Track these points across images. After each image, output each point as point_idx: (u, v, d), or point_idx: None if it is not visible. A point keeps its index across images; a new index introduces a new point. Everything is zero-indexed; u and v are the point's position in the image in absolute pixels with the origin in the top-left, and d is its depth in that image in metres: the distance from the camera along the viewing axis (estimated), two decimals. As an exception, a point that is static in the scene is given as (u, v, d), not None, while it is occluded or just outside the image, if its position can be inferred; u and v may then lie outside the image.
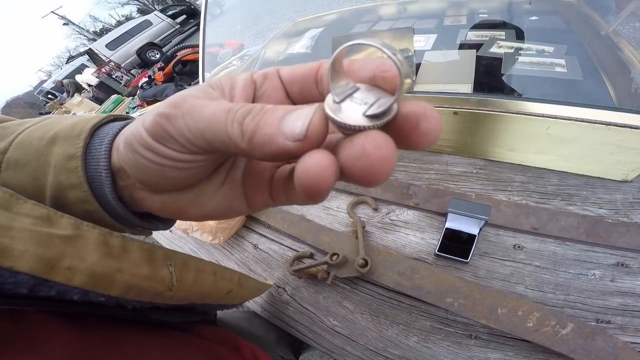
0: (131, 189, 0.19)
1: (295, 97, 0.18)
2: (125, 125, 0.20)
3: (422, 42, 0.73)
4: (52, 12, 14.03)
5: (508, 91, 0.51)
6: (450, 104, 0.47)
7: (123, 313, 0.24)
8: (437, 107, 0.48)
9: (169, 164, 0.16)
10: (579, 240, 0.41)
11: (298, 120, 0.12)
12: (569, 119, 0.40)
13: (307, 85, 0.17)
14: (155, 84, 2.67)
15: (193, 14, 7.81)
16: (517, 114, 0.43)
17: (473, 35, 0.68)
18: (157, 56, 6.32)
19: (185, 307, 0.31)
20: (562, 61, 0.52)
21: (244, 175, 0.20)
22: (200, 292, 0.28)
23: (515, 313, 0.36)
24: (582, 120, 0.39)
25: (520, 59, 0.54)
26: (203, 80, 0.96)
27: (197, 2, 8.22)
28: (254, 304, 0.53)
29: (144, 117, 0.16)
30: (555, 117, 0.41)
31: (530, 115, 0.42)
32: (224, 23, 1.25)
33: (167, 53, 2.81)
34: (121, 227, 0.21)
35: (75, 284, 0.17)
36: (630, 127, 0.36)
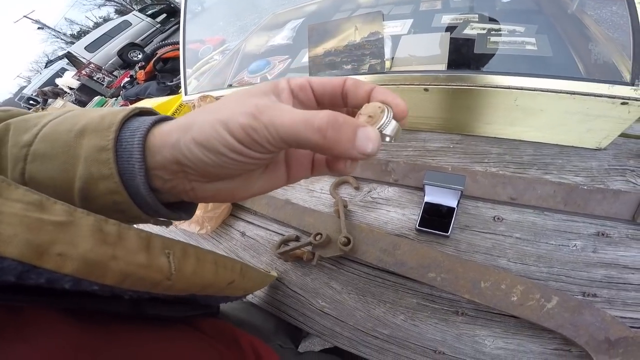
0: (176, 182, 0.21)
1: (324, 105, 0.22)
2: (157, 120, 0.21)
3: (398, 27, 0.72)
4: (24, 16, 13.35)
5: (480, 68, 0.51)
6: (420, 82, 0.47)
7: (120, 305, 0.23)
8: (408, 85, 0.48)
9: (250, 162, 0.19)
10: (558, 210, 0.41)
11: (369, 143, 0.17)
12: (534, 89, 0.40)
13: (336, 98, 0.22)
14: (138, 83, 2.60)
15: (173, 12, 7.57)
16: (484, 87, 0.43)
17: (448, 19, 0.68)
18: (140, 56, 6.11)
19: (186, 300, 0.30)
20: (533, 40, 0.53)
21: (289, 158, 0.23)
22: (200, 282, 0.26)
23: (499, 287, 0.36)
24: (547, 90, 0.39)
25: (492, 38, 0.54)
26: (184, 77, 0.94)
27: (176, 1, 7.99)
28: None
29: (224, 123, 0.18)
30: (522, 89, 0.41)
31: (496, 87, 0.42)
32: (205, 20, 1.21)
33: (147, 51, 2.73)
34: (146, 218, 0.22)
35: (66, 271, 0.16)
36: (595, 95, 0.37)
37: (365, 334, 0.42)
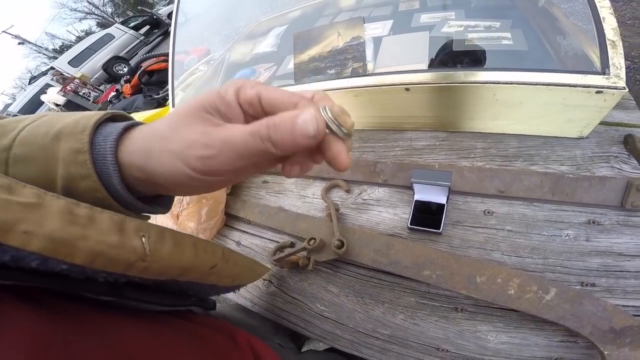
0: (148, 188, 0.22)
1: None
2: (127, 127, 0.22)
3: (379, 28, 0.73)
4: (4, 32, 12.95)
5: (459, 66, 0.51)
6: (401, 82, 0.47)
7: (96, 288, 0.22)
8: (389, 85, 0.48)
9: (214, 182, 0.21)
10: (546, 200, 0.41)
11: (308, 125, 0.18)
12: (511, 82, 0.40)
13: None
14: (124, 97, 2.55)
15: (156, 24, 7.43)
16: (462, 83, 0.43)
17: (426, 18, 0.68)
18: (125, 69, 5.98)
19: (172, 289, 0.29)
20: (508, 34, 0.53)
21: None
22: (179, 265, 0.25)
23: (495, 280, 0.35)
24: (523, 83, 0.39)
25: (470, 35, 0.54)
26: (172, 89, 0.93)
27: (159, 12, 7.85)
28: (244, 299, 0.51)
29: (180, 157, 0.19)
30: (498, 83, 0.41)
31: (474, 83, 0.42)
32: (189, 30, 1.20)
33: (132, 65, 2.68)
34: (127, 212, 0.23)
35: (32, 248, 0.16)
36: (569, 85, 0.37)
37: (367, 336, 0.42)
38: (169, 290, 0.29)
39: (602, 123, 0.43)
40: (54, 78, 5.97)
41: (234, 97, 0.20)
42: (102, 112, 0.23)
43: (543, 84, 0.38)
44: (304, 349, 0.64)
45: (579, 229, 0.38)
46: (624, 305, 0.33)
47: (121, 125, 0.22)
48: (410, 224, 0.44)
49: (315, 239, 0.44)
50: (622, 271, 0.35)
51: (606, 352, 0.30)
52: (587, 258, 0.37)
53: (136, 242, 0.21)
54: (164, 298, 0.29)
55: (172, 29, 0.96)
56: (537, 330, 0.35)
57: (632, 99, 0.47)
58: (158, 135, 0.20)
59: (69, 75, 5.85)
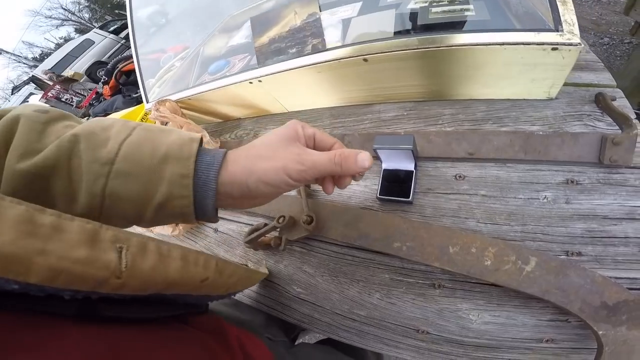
0: (235, 201, 0.28)
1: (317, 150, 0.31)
2: (222, 157, 0.27)
3: (349, 11, 0.72)
4: (-21, 43, 12.43)
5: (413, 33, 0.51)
6: (358, 52, 0.45)
7: (62, 306, 0.19)
8: (347, 58, 0.46)
9: (298, 186, 0.30)
10: (519, 160, 0.38)
11: (365, 162, 0.29)
12: (464, 45, 0.38)
13: (325, 149, 0.31)
14: (104, 99, 2.49)
15: (137, 27, 7.27)
16: (417, 49, 0.41)
17: (393, -3, 0.68)
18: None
19: (157, 299, 0.26)
20: (471, 6, 0.53)
21: None
22: (163, 280, 0.23)
23: (469, 250, 0.32)
24: (477, 44, 0.38)
25: (434, 9, 0.54)
26: (143, 86, 0.91)
27: (138, 15, 7.67)
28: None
29: (283, 169, 0.27)
30: (452, 46, 0.39)
31: (427, 48, 0.41)
32: (170, 31, 1.18)
33: (109, 67, 2.63)
34: (194, 222, 0.27)
35: None
36: (524, 43, 0.35)
37: (343, 318, 0.40)
38: (154, 301, 0.26)
39: (571, 84, 0.42)
40: (48, 76, 5.83)
41: (302, 132, 0.29)
42: (197, 137, 0.27)
43: (497, 44, 0.37)
44: (297, 342, 0.63)
45: (557, 190, 0.35)
46: (616, 277, 0.30)
47: (219, 154, 0.27)
48: (379, 194, 0.42)
49: (284, 216, 0.42)
50: (609, 237, 0.32)
51: (601, 332, 0.26)
52: (569, 223, 0.34)
53: (110, 255, 0.19)
54: (148, 311, 0.27)
55: (129, 28, 0.95)
56: (523, 307, 0.33)
57: (600, 61, 0.46)
58: (261, 158, 0.27)
59: (64, 75, 5.69)
